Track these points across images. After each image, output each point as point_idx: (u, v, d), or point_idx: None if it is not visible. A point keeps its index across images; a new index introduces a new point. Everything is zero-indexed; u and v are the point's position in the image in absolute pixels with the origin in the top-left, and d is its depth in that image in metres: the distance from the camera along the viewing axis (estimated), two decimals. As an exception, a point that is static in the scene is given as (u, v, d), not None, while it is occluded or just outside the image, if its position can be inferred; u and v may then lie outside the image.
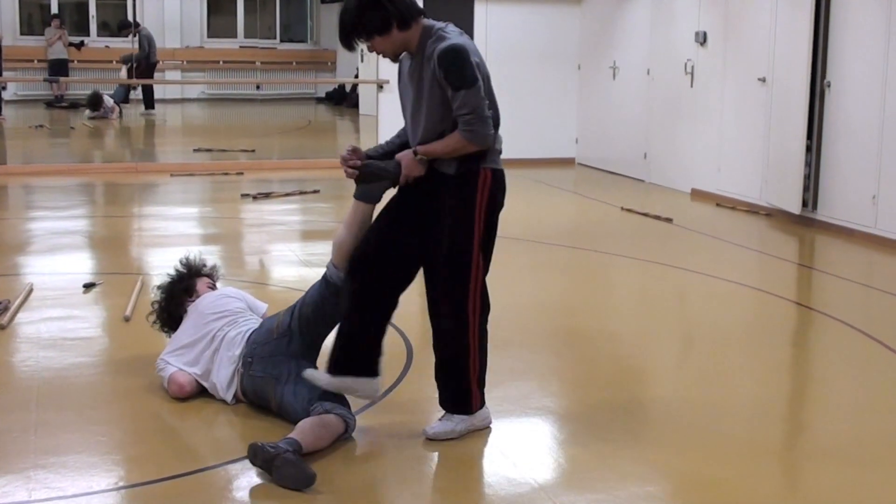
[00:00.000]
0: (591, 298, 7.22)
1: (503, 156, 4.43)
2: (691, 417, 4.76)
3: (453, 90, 4.12)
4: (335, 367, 4.36)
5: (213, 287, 5.27)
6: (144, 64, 18.98)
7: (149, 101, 19.84)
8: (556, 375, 5.46)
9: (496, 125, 4.30)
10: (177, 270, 5.26)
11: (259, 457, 3.92)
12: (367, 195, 4.44)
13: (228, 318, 4.84)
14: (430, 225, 4.34)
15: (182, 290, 5.15)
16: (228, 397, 4.68)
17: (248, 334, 4.69)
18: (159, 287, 5.24)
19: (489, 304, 4.47)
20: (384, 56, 4.31)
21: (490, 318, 4.36)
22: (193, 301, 5.07)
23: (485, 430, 4.48)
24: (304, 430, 4.12)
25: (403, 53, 4.33)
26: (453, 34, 4.21)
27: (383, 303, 4.39)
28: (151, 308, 5.23)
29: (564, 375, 5.47)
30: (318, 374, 4.40)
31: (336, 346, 4.38)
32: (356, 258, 4.36)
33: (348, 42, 4.27)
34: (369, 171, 4.38)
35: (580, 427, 4.63)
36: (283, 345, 4.55)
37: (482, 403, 4.46)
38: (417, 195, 4.36)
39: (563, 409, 4.91)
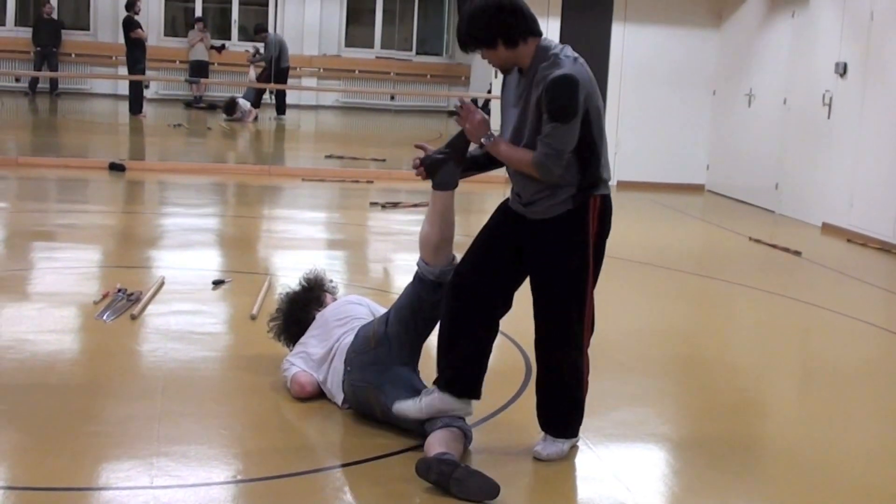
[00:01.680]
0: (713, 327, 7.14)
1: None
2: (809, 456, 4.67)
3: (549, 119, 4.01)
4: (442, 384, 4.32)
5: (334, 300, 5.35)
6: (276, 69, 19.32)
7: (281, 106, 20.18)
8: (673, 402, 5.42)
9: (598, 157, 4.17)
10: (307, 280, 5.33)
11: (434, 471, 3.90)
12: (440, 183, 4.47)
13: (349, 326, 4.88)
14: (535, 250, 4.28)
15: (313, 299, 5.23)
16: (338, 400, 4.72)
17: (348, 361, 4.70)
18: (286, 296, 5.28)
19: (594, 327, 4.46)
20: (496, 66, 4.24)
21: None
22: (321, 311, 5.15)
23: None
24: (448, 444, 4.12)
25: (515, 68, 4.25)
26: (567, 61, 4.07)
27: (483, 325, 4.34)
28: (273, 318, 5.27)
29: (682, 403, 5.42)
30: (407, 406, 4.37)
31: (440, 365, 4.36)
32: (456, 280, 4.34)
33: (463, 47, 4.26)
34: (430, 161, 4.47)
35: (695, 456, 4.59)
36: (382, 354, 4.53)
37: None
38: (515, 218, 4.32)
39: (679, 437, 4.86)
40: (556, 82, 3.99)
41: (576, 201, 4.18)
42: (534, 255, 4.28)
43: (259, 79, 19.62)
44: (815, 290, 8.17)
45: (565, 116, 3.99)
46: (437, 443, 4.14)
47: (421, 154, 4.53)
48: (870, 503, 4.19)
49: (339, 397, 4.71)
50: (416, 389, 4.44)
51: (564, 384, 4.39)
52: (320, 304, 5.22)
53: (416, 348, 4.64)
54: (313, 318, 5.11)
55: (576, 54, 4.16)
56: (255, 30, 20.17)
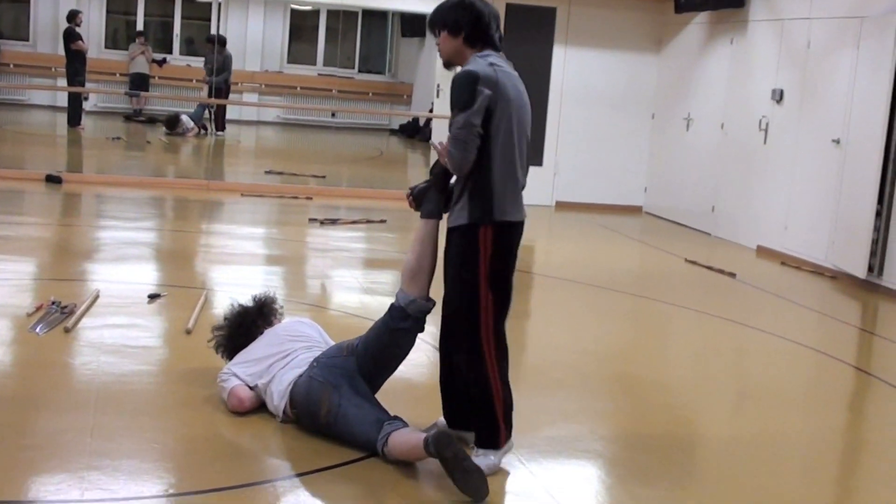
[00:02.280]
0: (649, 347, 7.21)
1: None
2: (740, 473, 4.73)
3: (451, 108, 4.34)
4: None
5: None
6: (223, 85, 19.22)
7: (220, 122, 20.07)
8: (608, 420, 5.45)
9: (511, 176, 4.39)
10: (262, 298, 5.35)
11: (451, 449, 3.99)
12: (425, 212, 4.61)
13: (305, 343, 4.93)
14: (444, 255, 4.53)
15: (263, 316, 5.26)
16: (280, 408, 4.70)
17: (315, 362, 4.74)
18: (237, 308, 5.29)
19: (506, 347, 4.57)
20: (441, 55, 4.56)
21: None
22: (269, 328, 5.20)
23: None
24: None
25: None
26: (478, 62, 4.38)
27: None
28: (218, 328, 5.27)
29: (616, 421, 5.45)
30: (487, 461, 4.41)
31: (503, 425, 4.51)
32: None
33: (432, 28, 4.58)
34: (416, 191, 4.68)
35: (628, 473, 4.64)
36: (349, 363, 4.59)
37: (508, 438, 4.51)
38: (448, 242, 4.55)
39: (612, 454, 4.91)
40: (457, 76, 4.36)
41: (470, 217, 4.38)
42: (444, 258, 4.52)
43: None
44: (750, 312, 8.28)
45: (457, 104, 4.29)
46: (409, 431, 4.27)
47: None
48: None
49: (280, 404, 4.69)
50: (371, 401, 4.48)
51: (473, 390, 4.48)
52: (268, 323, 5.26)
53: (377, 374, 4.68)
54: (260, 334, 5.13)
55: (497, 62, 4.40)
56: (207, 38, 19.83)
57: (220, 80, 18.85)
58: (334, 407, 4.47)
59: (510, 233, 4.47)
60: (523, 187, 4.52)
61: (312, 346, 4.94)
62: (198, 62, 22.37)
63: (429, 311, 4.60)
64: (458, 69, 4.45)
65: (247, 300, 5.37)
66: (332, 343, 5.05)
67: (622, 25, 13.59)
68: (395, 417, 4.43)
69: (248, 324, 5.20)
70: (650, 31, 13.63)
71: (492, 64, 4.36)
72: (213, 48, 19.08)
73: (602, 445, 5.01)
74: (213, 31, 22.76)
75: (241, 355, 5.03)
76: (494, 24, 4.51)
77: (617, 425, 5.39)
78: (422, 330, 4.65)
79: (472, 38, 4.47)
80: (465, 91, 4.28)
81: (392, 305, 4.61)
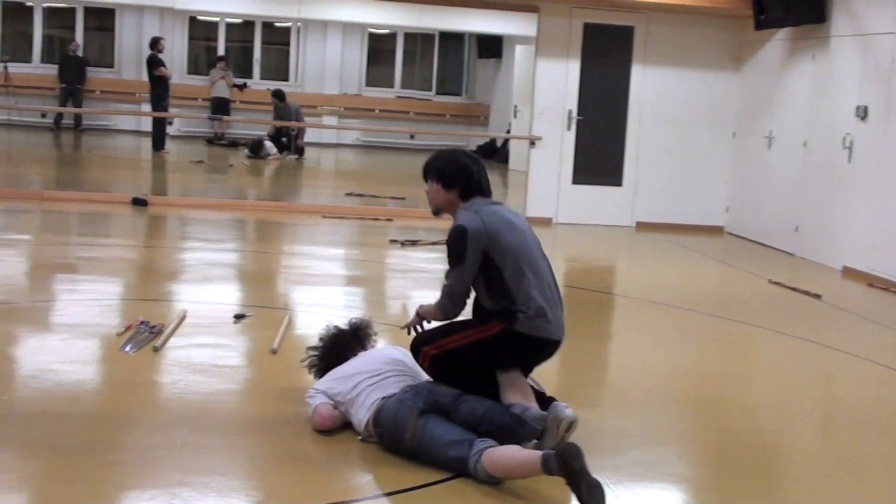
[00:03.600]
0: (733, 369, 7.10)
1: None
2: (827, 499, 4.67)
3: (447, 263, 4.83)
4: None
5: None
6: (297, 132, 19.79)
7: (300, 148, 20.33)
8: (692, 443, 5.40)
9: (507, 292, 4.76)
10: (358, 322, 5.47)
11: (579, 461, 4.00)
12: None
13: (398, 368, 4.97)
14: None
15: (357, 340, 5.37)
16: (361, 420, 4.73)
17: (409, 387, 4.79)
18: (333, 330, 5.41)
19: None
20: (430, 203, 5.07)
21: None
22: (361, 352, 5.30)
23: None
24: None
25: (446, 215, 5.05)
26: (464, 215, 4.83)
27: None
28: (313, 347, 5.38)
29: (701, 444, 5.40)
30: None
31: None
32: None
33: (426, 175, 5.07)
34: None
35: (716, 498, 4.60)
36: (444, 400, 4.65)
37: None
38: None
39: (697, 479, 4.86)
40: (450, 233, 4.81)
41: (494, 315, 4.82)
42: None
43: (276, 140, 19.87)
44: (836, 334, 8.16)
45: (451, 261, 4.80)
46: (517, 448, 4.30)
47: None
48: None
49: (364, 418, 4.71)
50: (464, 436, 4.45)
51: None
52: (362, 347, 5.35)
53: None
54: (352, 356, 5.21)
55: (480, 208, 4.86)
56: (273, 93, 20.16)
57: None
58: (419, 429, 4.49)
59: (519, 345, 4.80)
60: (553, 304, 4.87)
61: (405, 372, 4.96)
62: (278, 85, 22.70)
63: (542, 418, 4.58)
64: (451, 221, 4.88)
65: (343, 323, 5.47)
66: (425, 378, 5.03)
67: (701, 43, 13.51)
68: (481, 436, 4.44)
69: (342, 346, 5.30)
70: (729, 49, 13.53)
71: (476, 212, 4.81)
72: (277, 102, 19.49)
73: (688, 469, 4.98)
74: (294, 54, 23.12)
75: (332, 373, 5.09)
76: (484, 178, 4.99)
77: (702, 449, 5.34)
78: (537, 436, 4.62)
79: (465, 192, 4.92)
80: (456, 248, 4.76)
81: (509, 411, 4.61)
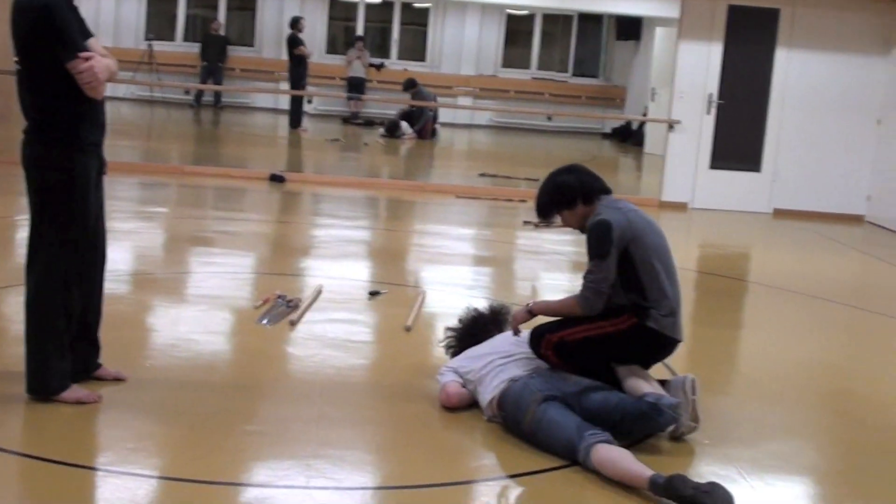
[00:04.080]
0: (871, 362, 6.92)
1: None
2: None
3: (588, 258, 4.80)
4: None
5: None
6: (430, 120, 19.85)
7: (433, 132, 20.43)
8: (828, 436, 5.29)
9: (641, 289, 4.77)
10: (497, 306, 5.55)
11: (688, 486, 3.94)
12: None
13: (533, 356, 4.95)
14: None
15: (495, 323, 5.41)
16: (486, 399, 4.76)
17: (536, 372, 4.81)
18: (472, 312, 5.47)
19: None
20: (573, 227, 5.03)
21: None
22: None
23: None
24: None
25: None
26: (607, 210, 4.84)
27: None
28: (452, 328, 5.46)
29: (837, 437, 5.29)
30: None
31: None
32: None
33: (549, 214, 5.09)
34: None
35: (851, 493, 4.50)
36: (571, 389, 4.64)
37: None
38: None
39: (834, 473, 4.77)
40: (592, 226, 4.82)
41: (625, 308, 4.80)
42: None
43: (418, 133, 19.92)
44: (981, 328, 7.88)
45: (596, 254, 4.77)
46: (629, 457, 4.21)
47: None
48: None
49: (489, 397, 4.74)
50: (579, 425, 4.42)
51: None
52: (500, 330, 5.36)
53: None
54: (488, 339, 5.24)
55: (621, 206, 4.91)
56: (405, 86, 20.16)
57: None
58: (539, 414, 4.50)
59: (649, 340, 4.78)
60: (677, 306, 4.86)
61: (537, 357, 4.96)
62: (414, 67, 22.88)
63: (676, 405, 4.58)
64: (591, 220, 4.85)
65: (482, 306, 5.54)
66: None
67: (848, 26, 13.14)
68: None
69: (480, 328, 5.35)
70: (879, 32, 13.13)
71: (619, 209, 4.86)
72: (411, 91, 19.55)
73: (824, 462, 4.89)
74: (432, 35, 23.23)
75: (465, 353, 5.15)
76: (591, 176, 5.02)
77: (837, 441, 5.22)
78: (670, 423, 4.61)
79: (586, 198, 4.93)
80: (601, 241, 4.75)
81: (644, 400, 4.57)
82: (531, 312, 5.00)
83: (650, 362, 4.92)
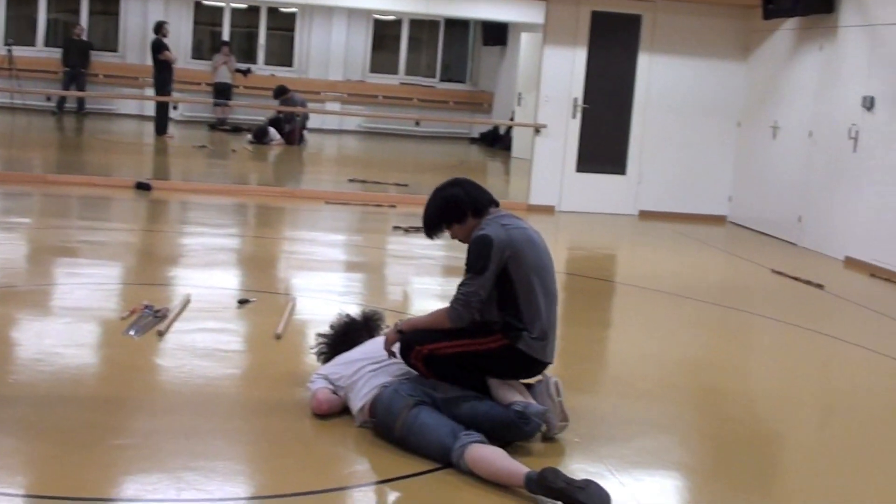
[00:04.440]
0: (735, 358, 7.12)
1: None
2: (828, 489, 4.69)
3: (465, 270, 4.76)
4: None
5: None
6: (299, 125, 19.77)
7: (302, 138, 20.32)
8: (695, 432, 5.41)
9: (517, 312, 4.75)
10: (370, 313, 5.53)
11: (561, 478, 4.00)
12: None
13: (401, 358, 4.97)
14: None
15: (368, 329, 5.41)
16: (357, 407, 4.75)
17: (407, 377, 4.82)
18: (345, 318, 5.45)
19: None
20: (460, 239, 4.97)
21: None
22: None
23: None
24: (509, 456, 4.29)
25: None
26: (491, 224, 4.81)
27: None
28: (323, 334, 5.41)
29: (703, 432, 5.41)
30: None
31: None
32: None
33: (438, 230, 5.01)
34: None
35: (718, 486, 4.61)
36: (438, 395, 4.68)
37: None
38: None
39: (701, 467, 4.87)
40: (472, 241, 4.79)
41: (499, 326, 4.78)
42: None
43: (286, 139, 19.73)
44: (838, 324, 8.17)
45: (474, 267, 4.73)
46: (503, 455, 4.25)
47: None
48: None
49: (360, 404, 4.74)
50: (452, 427, 4.46)
51: None
52: (371, 337, 5.36)
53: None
54: (359, 345, 5.24)
55: (506, 221, 4.86)
56: (276, 93, 19.98)
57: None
58: (411, 419, 4.52)
59: (517, 360, 4.77)
60: (550, 329, 4.84)
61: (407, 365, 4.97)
62: (281, 72, 22.71)
63: (543, 412, 4.65)
64: (474, 232, 4.83)
65: (355, 312, 5.52)
66: None
67: (708, 32, 13.48)
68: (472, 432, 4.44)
69: (352, 334, 5.34)
70: (737, 38, 13.50)
71: (503, 225, 4.81)
72: (282, 97, 19.42)
73: (691, 457, 4.99)
74: (299, 40, 23.09)
75: (336, 359, 5.14)
76: (478, 189, 4.97)
77: (705, 437, 5.34)
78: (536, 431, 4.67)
79: (475, 211, 4.90)
80: (480, 257, 4.71)
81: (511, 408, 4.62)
82: (401, 332, 4.91)
83: (518, 378, 4.90)
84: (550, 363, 4.89)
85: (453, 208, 4.91)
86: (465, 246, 4.88)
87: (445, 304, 4.83)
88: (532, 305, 4.74)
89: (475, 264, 4.72)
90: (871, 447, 5.34)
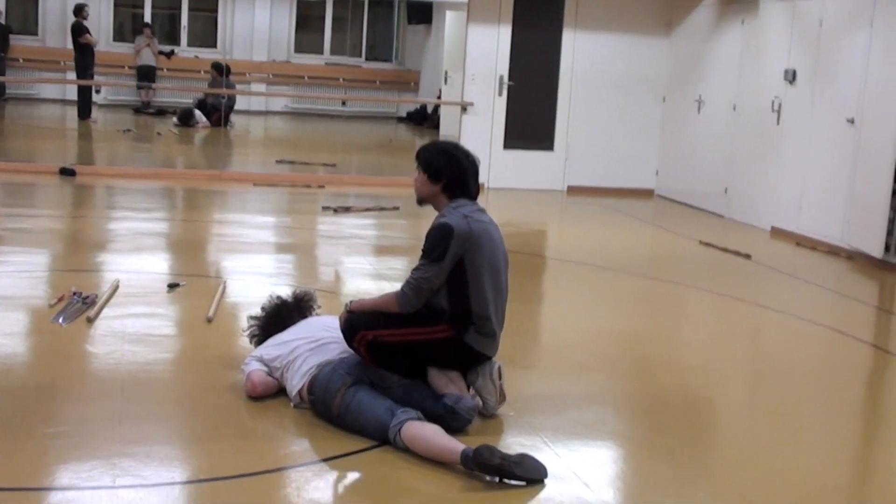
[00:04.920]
0: (666, 328, 7.23)
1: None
2: (761, 451, 4.77)
3: (422, 255, 4.68)
4: None
5: None
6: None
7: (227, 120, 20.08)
8: (629, 401, 5.48)
9: (467, 305, 4.70)
10: (301, 294, 5.49)
11: (497, 455, 4.04)
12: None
13: (338, 336, 4.94)
14: None
15: (299, 310, 5.37)
16: (295, 386, 4.76)
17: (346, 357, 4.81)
18: (276, 300, 5.41)
19: None
20: (416, 191, 4.89)
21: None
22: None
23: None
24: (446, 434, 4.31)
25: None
26: (454, 215, 4.71)
27: None
28: (254, 316, 5.39)
29: (637, 402, 5.47)
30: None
31: None
32: None
33: (417, 161, 4.87)
34: None
35: (652, 453, 4.67)
36: (376, 376, 4.69)
37: None
38: None
39: (636, 435, 4.94)
40: (434, 227, 4.70)
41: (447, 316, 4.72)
42: None
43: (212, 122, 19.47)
44: (766, 293, 8.30)
45: (429, 257, 4.64)
46: (440, 433, 4.29)
47: None
48: (815, 494, 4.31)
49: (297, 385, 4.74)
50: (389, 405, 4.49)
51: None
52: (303, 317, 5.34)
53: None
54: (291, 326, 5.22)
55: (470, 213, 4.75)
56: (215, 66, 19.74)
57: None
58: (349, 396, 4.54)
59: (462, 352, 4.73)
60: (499, 327, 4.86)
61: (343, 339, 4.94)
62: (205, 53, 22.51)
63: (473, 408, 4.67)
64: (436, 218, 4.77)
65: (286, 294, 5.49)
66: None
67: (631, 8, 13.58)
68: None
69: (284, 315, 5.30)
70: (660, 14, 13.62)
71: (466, 216, 4.71)
72: (216, 75, 19.20)
73: (626, 426, 5.05)
74: (222, 21, 22.86)
75: (270, 340, 5.12)
76: (473, 178, 4.86)
77: (639, 406, 5.41)
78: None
79: (450, 188, 4.79)
80: (438, 245, 4.62)
81: (443, 402, 4.62)
82: (350, 312, 4.82)
83: (459, 369, 4.84)
84: (492, 357, 4.86)
85: (439, 165, 4.80)
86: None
87: (390, 286, 4.82)
88: (482, 300, 4.70)
89: (432, 251, 4.63)
90: (799, 410, 5.45)
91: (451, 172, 4.78)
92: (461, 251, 4.63)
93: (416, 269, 4.67)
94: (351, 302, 4.90)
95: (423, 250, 4.69)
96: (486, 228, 4.77)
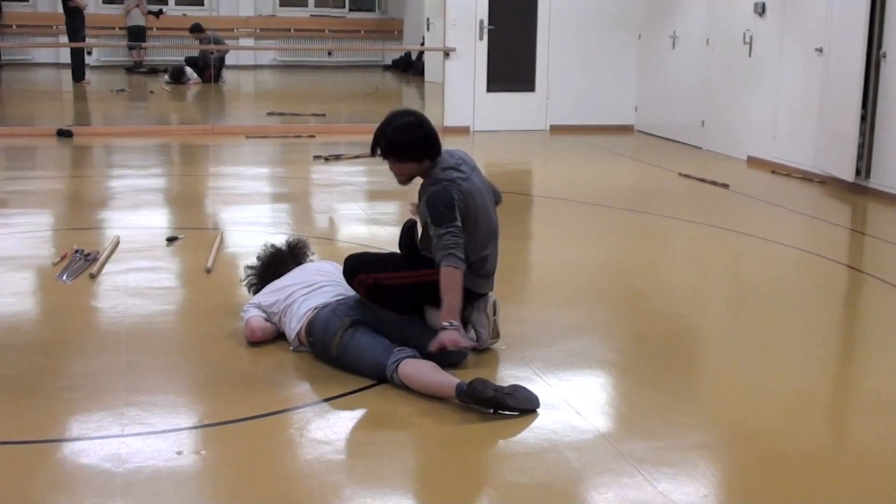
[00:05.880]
0: (649, 259, 7.27)
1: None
2: (744, 373, 4.88)
3: (435, 223, 4.69)
4: None
5: None
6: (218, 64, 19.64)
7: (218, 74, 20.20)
8: (616, 331, 5.58)
9: (479, 259, 4.83)
10: (295, 241, 5.65)
11: (490, 387, 4.16)
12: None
13: (334, 280, 5.10)
14: None
15: (294, 257, 5.53)
16: (293, 329, 4.88)
17: (343, 299, 4.93)
18: (271, 248, 5.56)
19: None
20: (401, 177, 4.97)
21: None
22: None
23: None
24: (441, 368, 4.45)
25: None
26: (449, 174, 4.78)
27: None
28: (250, 265, 5.53)
29: (624, 331, 5.58)
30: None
31: None
32: None
33: (374, 151, 4.97)
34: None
35: (640, 380, 4.77)
36: (375, 316, 4.81)
37: None
38: None
39: (624, 363, 5.02)
40: (434, 195, 4.74)
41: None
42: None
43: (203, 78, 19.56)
44: (744, 220, 8.43)
45: (447, 219, 4.66)
46: (435, 369, 4.44)
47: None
48: (801, 411, 4.44)
49: (296, 328, 4.86)
50: (385, 345, 4.61)
51: None
52: (298, 265, 5.48)
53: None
54: (287, 273, 5.36)
55: (459, 168, 4.85)
56: (193, 29, 19.85)
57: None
58: (347, 336, 4.64)
59: (465, 296, 4.73)
60: (493, 268, 5.00)
61: (339, 282, 5.06)
62: (194, 11, 22.58)
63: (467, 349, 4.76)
64: (429, 190, 4.79)
65: (280, 242, 5.64)
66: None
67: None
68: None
69: (279, 263, 5.43)
70: (633, -49, 13.76)
71: (458, 170, 4.82)
72: (197, 36, 19.25)
73: (614, 355, 5.14)
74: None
75: (267, 287, 5.24)
76: (434, 132, 4.91)
77: (626, 335, 5.51)
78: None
79: (429, 154, 4.86)
80: (447, 209, 4.68)
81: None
82: (452, 324, 4.56)
83: None
84: (486, 294, 4.98)
85: (424, 147, 4.86)
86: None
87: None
88: (477, 245, 4.81)
89: (446, 216, 4.66)
90: (781, 333, 5.58)
91: (422, 142, 4.85)
92: (461, 206, 4.72)
93: (442, 237, 4.64)
94: (448, 322, 4.57)
95: (433, 220, 4.68)
96: (476, 176, 4.90)
